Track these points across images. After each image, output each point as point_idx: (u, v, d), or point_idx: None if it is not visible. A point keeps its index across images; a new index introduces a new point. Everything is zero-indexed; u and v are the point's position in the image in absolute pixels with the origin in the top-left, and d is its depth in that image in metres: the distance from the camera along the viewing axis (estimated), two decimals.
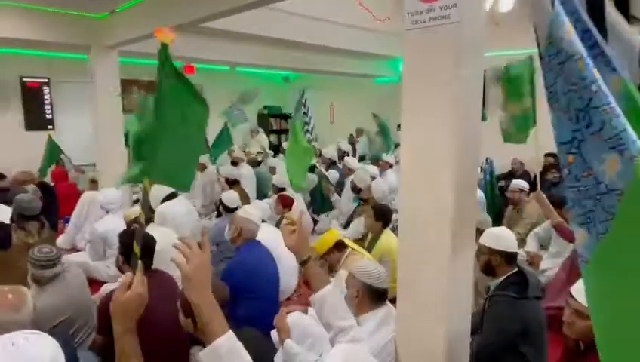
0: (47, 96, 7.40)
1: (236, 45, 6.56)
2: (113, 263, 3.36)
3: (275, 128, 10.87)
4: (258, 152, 8.04)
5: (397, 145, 8.00)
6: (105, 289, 3.28)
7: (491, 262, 2.40)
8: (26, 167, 6.33)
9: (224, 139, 7.22)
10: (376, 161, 6.71)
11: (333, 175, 6.16)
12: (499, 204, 5.15)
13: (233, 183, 5.40)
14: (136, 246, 1.50)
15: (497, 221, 4.32)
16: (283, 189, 4.96)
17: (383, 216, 3.70)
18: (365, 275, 2.12)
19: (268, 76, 10.52)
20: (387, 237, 3.64)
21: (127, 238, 2.46)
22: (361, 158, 8.11)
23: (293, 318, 2.26)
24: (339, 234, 3.07)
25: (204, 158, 6.14)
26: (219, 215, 4.84)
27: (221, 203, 4.35)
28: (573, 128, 0.95)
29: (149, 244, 2.50)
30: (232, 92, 9.60)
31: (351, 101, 9.97)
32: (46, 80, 7.32)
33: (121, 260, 2.44)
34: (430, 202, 1.80)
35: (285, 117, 10.75)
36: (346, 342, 1.52)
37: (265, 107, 10.74)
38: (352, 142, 8.88)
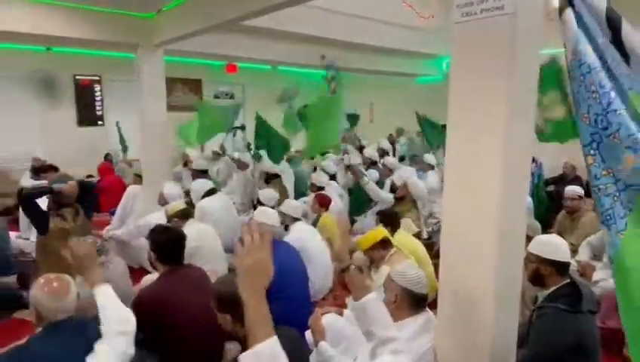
0: (98, 93, 7.76)
1: (278, 44, 6.60)
2: None
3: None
4: (296, 151, 8.06)
5: (438, 147, 7.80)
6: (145, 280, 3.35)
7: (540, 271, 2.25)
8: (76, 160, 6.67)
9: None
10: (415, 161, 6.54)
11: (372, 175, 6.06)
12: (544, 208, 4.87)
13: (273, 178, 5.43)
14: None
15: (544, 228, 4.09)
16: (322, 188, 4.92)
17: (388, 219, 3.56)
18: (404, 279, 2.04)
19: (308, 75, 10.52)
20: (401, 238, 3.49)
21: (158, 235, 2.49)
22: (401, 159, 7.96)
23: (329, 320, 2.22)
24: (385, 232, 3.02)
25: (246, 157, 6.22)
26: None
27: (258, 200, 4.37)
28: (592, 131, 1.07)
29: (179, 239, 2.52)
30: (272, 91, 9.71)
31: (391, 101, 9.81)
32: (97, 78, 7.67)
33: (154, 257, 2.46)
34: (476, 206, 1.69)
35: None
36: (388, 353, 1.45)
37: (305, 106, 10.75)
38: (392, 141, 8.73)
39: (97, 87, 7.74)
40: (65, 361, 1.60)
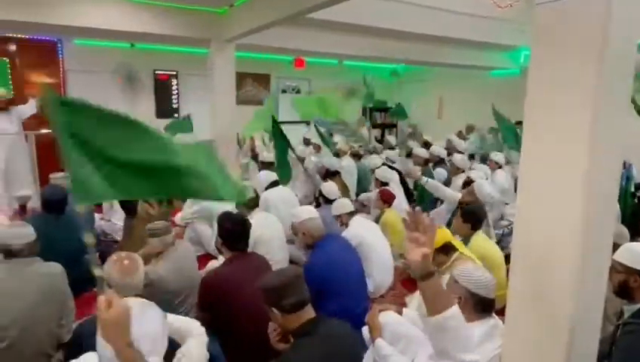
0: (174, 87, 8.23)
1: (345, 37, 6.55)
2: None
3: (379, 122, 10.74)
4: (360, 146, 7.98)
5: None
6: (210, 265, 3.49)
7: (629, 283, 2.01)
8: None
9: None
10: (486, 160, 6.19)
11: (440, 174, 5.84)
12: (630, 214, 4.38)
13: (333, 174, 5.42)
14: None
15: (632, 235, 3.67)
16: (386, 184, 4.82)
17: (473, 216, 3.36)
18: (469, 281, 1.92)
19: (375, 70, 10.38)
20: (479, 240, 3.30)
21: (224, 221, 2.56)
22: (471, 157, 7.58)
23: (387, 317, 2.15)
24: (449, 235, 2.83)
25: (304, 151, 6.28)
26: (318, 205, 4.89)
27: (320, 194, 4.37)
28: None
29: (244, 226, 2.58)
30: (338, 86, 9.70)
31: (462, 95, 9.38)
32: (174, 72, 8.13)
33: (220, 242, 2.56)
34: (556, 211, 1.51)
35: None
36: None
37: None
38: (461, 138, 8.34)
39: (174, 82, 8.21)
40: None
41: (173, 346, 1.50)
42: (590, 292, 1.56)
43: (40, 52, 6.67)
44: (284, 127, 5.22)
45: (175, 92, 8.26)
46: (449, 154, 6.55)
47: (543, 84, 1.56)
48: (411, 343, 2.03)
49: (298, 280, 1.78)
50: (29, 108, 5.83)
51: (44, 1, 4.36)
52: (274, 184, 4.69)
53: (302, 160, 6.25)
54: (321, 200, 4.44)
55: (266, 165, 5.67)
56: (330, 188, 4.32)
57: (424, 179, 4.75)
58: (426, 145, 7.22)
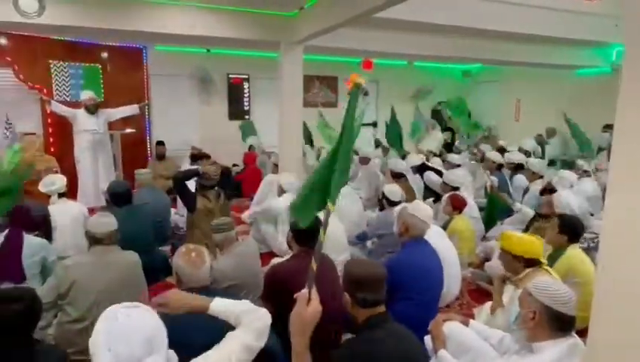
0: (246, 90, 8.56)
1: (415, 37, 6.38)
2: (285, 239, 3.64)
3: (449, 125, 10.33)
4: (429, 151, 7.75)
5: (600, 150, 6.69)
6: (273, 261, 3.55)
7: None
8: (226, 150, 7.46)
9: (394, 132, 7.17)
10: (568, 166, 5.70)
11: (519, 181, 5.48)
12: None
13: (399, 177, 5.29)
14: (322, 233, 1.39)
15: None
16: (456, 188, 4.60)
17: (571, 228, 3.08)
18: (546, 295, 1.75)
19: (446, 71, 10.03)
20: (574, 253, 3.02)
21: None
22: (551, 162, 7.03)
23: (452, 328, 2.04)
24: (541, 251, 2.57)
25: (369, 152, 6.20)
26: (381, 208, 4.80)
27: (384, 195, 4.28)
28: None
29: (316, 225, 2.58)
30: (406, 87, 9.49)
31: (542, 97, 8.74)
32: (246, 76, 8.46)
33: (290, 236, 2.58)
34: None
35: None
36: None
37: (440, 103, 10.30)
38: (541, 142, 7.76)
39: (246, 85, 8.53)
40: (189, 327, 1.70)
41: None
42: None
43: (128, 58, 7.25)
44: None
45: (246, 95, 8.58)
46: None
47: (638, 82, 1.38)
48: (478, 356, 1.90)
49: (381, 280, 1.73)
50: (130, 110, 6.42)
51: (132, 10, 4.74)
52: None
53: (367, 161, 6.19)
54: (384, 203, 4.34)
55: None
56: (392, 189, 4.21)
57: (492, 179, 4.49)
58: (501, 149, 6.83)
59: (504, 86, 9.67)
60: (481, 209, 4.80)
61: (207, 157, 6.91)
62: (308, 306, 1.23)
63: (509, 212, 4.73)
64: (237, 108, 8.54)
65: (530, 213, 4.33)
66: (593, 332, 1.55)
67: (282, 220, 4.30)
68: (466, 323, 2.21)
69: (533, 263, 2.49)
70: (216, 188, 3.86)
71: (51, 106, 5.98)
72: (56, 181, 3.99)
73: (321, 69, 8.61)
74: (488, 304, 2.72)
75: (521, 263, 2.50)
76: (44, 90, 6.26)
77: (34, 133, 6.54)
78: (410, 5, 3.71)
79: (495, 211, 4.63)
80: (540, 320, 1.75)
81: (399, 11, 4.02)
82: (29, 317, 1.70)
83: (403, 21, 4.58)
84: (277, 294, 2.41)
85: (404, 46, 6.64)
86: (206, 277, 2.04)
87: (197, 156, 6.92)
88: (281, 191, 4.53)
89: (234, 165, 7.67)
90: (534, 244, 2.52)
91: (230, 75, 8.35)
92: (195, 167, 4.38)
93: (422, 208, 2.97)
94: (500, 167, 5.82)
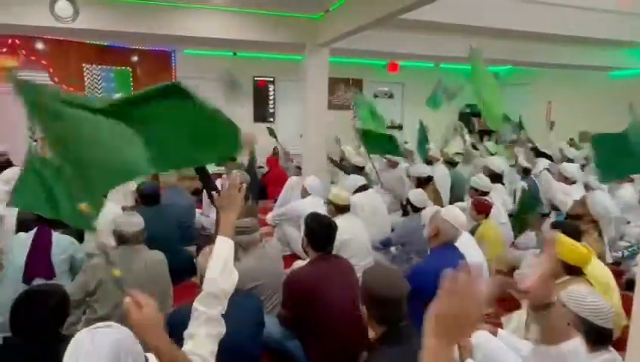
0: (271, 93, 8.61)
1: (442, 38, 6.28)
2: None
3: (477, 129, 10.11)
4: (456, 153, 7.58)
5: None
6: (295, 265, 3.54)
7: None
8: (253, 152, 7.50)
9: (421, 136, 7.05)
10: None
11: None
12: None
13: (425, 182, 5.20)
14: None
15: None
16: (485, 193, 4.47)
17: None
18: (581, 306, 1.67)
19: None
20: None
21: (311, 222, 2.56)
22: (583, 167, 6.78)
23: (480, 338, 1.97)
24: (587, 260, 2.46)
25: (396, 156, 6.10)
26: (405, 213, 4.73)
27: (408, 201, 4.21)
28: None
29: (330, 228, 2.56)
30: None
31: (574, 99, 8.45)
32: (272, 79, 8.51)
33: (306, 242, 2.56)
34: None
35: None
36: None
37: (467, 105, 10.10)
38: (573, 146, 7.51)
39: (271, 88, 8.59)
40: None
41: None
42: None
43: (157, 61, 7.42)
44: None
45: (272, 97, 8.64)
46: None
47: None
48: None
49: (402, 300, 1.65)
50: None
51: (162, 14, 4.84)
52: (362, 188, 4.63)
53: (395, 164, 6.12)
54: (409, 209, 4.27)
55: (355, 169, 5.66)
56: (417, 195, 4.14)
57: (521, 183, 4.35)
58: (536, 151, 6.61)
59: (535, 88, 9.41)
60: (510, 215, 4.66)
61: (233, 159, 6.99)
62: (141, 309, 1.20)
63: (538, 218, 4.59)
64: (262, 111, 8.60)
65: (567, 201, 4.13)
66: (632, 350, 1.47)
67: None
68: (495, 333, 2.14)
69: (575, 271, 2.40)
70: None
71: None
72: None
73: (347, 71, 8.59)
74: (517, 313, 2.63)
75: (564, 268, 2.42)
76: (77, 93, 6.48)
77: None
78: (437, 6, 3.65)
79: (526, 217, 4.49)
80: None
81: (426, 12, 3.97)
82: (59, 313, 1.74)
83: (430, 22, 4.51)
84: (295, 301, 2.40)
85: (431, 47, 6.55)
86: None
87: None
88: (306, 194, 4.52)
89: (259, 167, 7.73)
90: (582, 254, 2.42)
91: (256, 78, 8.42)
92: (221, 168, 4.42)
93: (455, 214, 2.89)
94: (529, 171, 5.65)
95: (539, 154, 6.25)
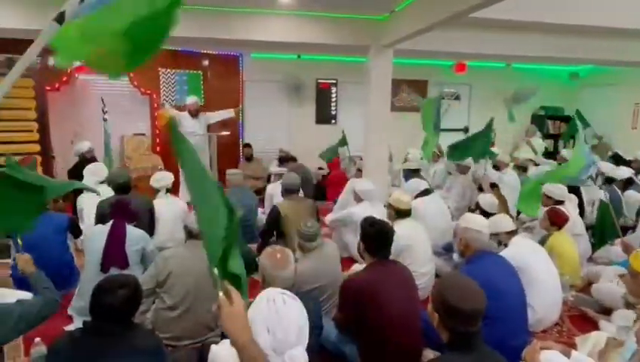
0: (333, 95, 8.65)
1: (514, 36, 5.94)
2: None
3: (551, 132, 9.47)
4: (527, 159, 7.15)
5: None
6: (354, 268, 3.52)
7: None
8: (313, 154, 7.58)
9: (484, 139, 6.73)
10: None
11: (631, 197, 4.85)
12: None
13: (491, 187, 4.96)
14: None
15: None
16: (560, 202, 4.16)
17: None
18: None
19: (550, 72, 9.21)
20: None
21: (367, 227, 2.53)
22: None
23: (550, 358, 1.84)
24: None
25: (469, 160, 5.85)
26: None
27: (477, 205, 4.03)
28: None
29: (386, 234, 2.52)
30: (503, 91, 8.89)
31: None
32: (334, 81, 8.55)
33: (362, 247, 2.54)
34: None
35: (567, 119, 9.19)
36: None
37: (542, 107, 9.48)
38: None
39: (334, 90, 8.63)
40: None
41: None
42: None
43: (225, 65, 7.74)
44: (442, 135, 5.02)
45: (334, 99, 8.68)
46: (637, 173, 5.39)
47: None
48: None
49: (473, 315, 1.56)
50: (227, 113, 6.82)
51: (232, 20, 5.04)
52: (425, 193, 4.52)
53: (466, 170, 5.92)
54: (478, 213, 4.09)
55: (410, 172, 5.58)
56: (488, 200, 3.95)
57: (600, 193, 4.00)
58: (616, 158, 6.08)
59: (619, 89, 8.62)
60: (588, 227, 4.31)
61: (294, 159, 7.12)
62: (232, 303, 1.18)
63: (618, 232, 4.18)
64: (324, 113, 8.66)
65: None
66: None
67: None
68: (567, 354, 1.98)
69: None
70: (298, 192, 3.98)
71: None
72: (165, 177, 4.40)
73: (410, 72, 8.41)
74: (595, 334, 2.42)
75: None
76: (154, 95, 6.94)
77: (143, 134, 7.27)
78: (507, 3, 3.45)
79: (605, 230, 4.13)
80: None
81: (499, 10, 3.76)
82: (132, 302, 1.86)
83: (503, 20, 4.29)
84: (352, 306, 2.39)
85: (501, 46, 6.21)
86: (290, 279, 2.07)
87: (284, 158, 7.16)
88: (358, 198, 4.49)
89: (319, 168, 7.80)
90: None
91: (319, 80, 8.51)
92: (282, 169, 4.51)
93: (473, 219, 2.84)
94: (611, 180, 5.18)
95: (620, 161, 5.71)
